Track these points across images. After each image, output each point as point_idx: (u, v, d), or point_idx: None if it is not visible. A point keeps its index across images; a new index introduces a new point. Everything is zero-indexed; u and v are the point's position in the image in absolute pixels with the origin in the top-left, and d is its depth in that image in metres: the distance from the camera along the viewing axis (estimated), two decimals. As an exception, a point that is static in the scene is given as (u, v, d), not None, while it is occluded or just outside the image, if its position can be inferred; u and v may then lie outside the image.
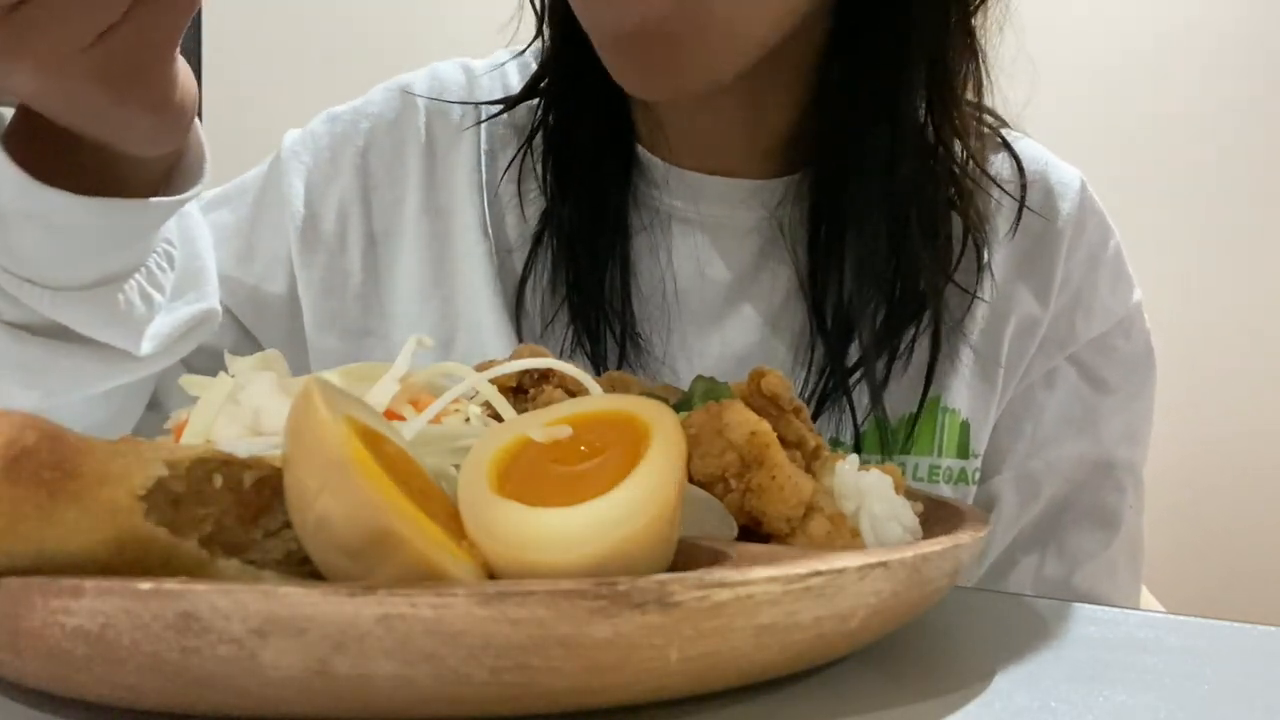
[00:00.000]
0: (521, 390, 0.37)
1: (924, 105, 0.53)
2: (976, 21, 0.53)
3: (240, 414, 0.31)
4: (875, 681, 0.27)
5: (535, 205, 0.58)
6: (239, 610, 0.20)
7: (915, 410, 0.56)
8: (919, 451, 0.57)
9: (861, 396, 0.54)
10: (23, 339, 0.42)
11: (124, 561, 0.21)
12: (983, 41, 0.53)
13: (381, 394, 0.31)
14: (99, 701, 0.22)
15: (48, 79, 0.33)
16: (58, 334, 0.43)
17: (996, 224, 0.57)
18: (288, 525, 0.23)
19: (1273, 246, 1.72)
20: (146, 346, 0.45)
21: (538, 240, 0.57)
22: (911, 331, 0.54)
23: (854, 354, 0.54)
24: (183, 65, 0.38)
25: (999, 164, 0.58)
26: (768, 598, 0.23)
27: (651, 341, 0.56)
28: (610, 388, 0.39)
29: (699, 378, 0.43)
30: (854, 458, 0.35)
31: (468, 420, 0.32)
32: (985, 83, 0.55)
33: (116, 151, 0.38)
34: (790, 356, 0.56)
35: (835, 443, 0.55)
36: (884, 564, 0.25)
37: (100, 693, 0.21)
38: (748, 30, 0.47)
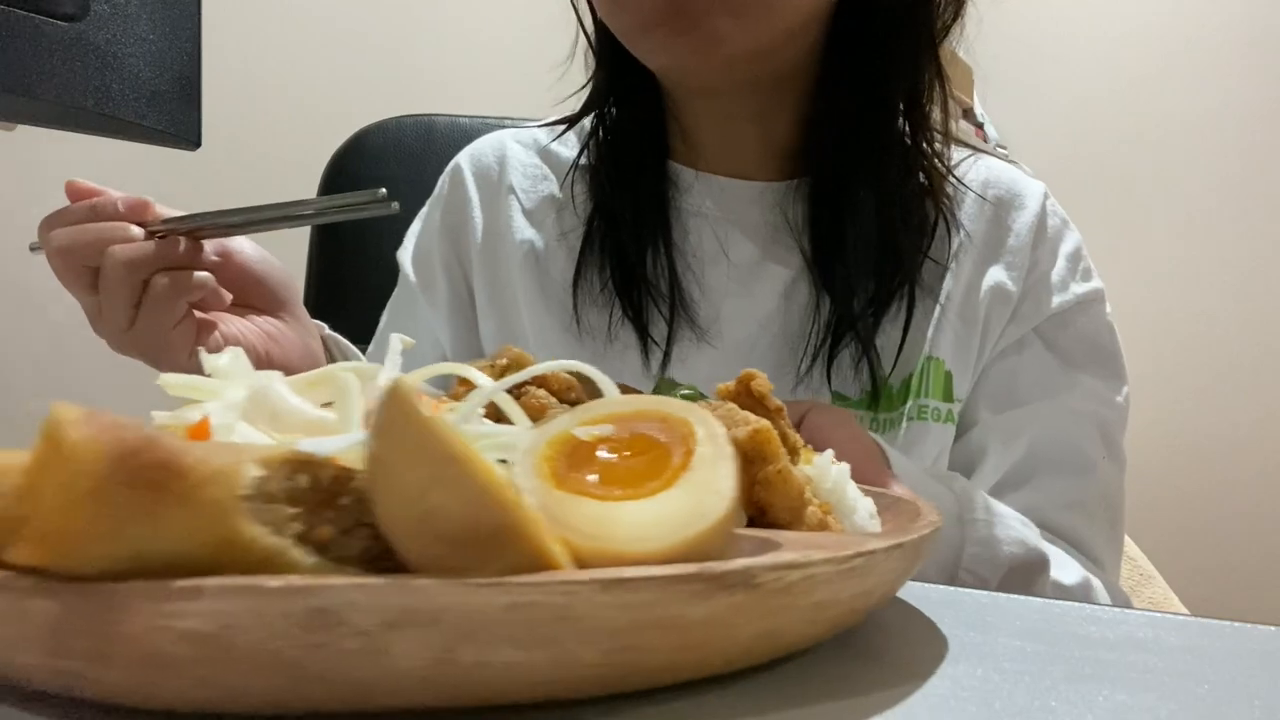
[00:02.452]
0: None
1: (902, 118, 0.68)
2: (941, 47, 0.67)
3: (259, 413, 0.31)
4: (876, 682, 0.27)
5: (572, 216, 0.73)
6: (375, 603, 0.20)
7: (908, 372, 0.69)
8: (911, 395, 0.69)
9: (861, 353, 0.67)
10: None
11: (219, 563, 0.21)
12: (945, 62, 0.68)
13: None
14: (179, 708, 0.22)
15: (123, 350, 0.59)
16: None
17: (973, 222, 0.72)
18: (360, 524, 0.23)
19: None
20: None
21: (588, 234, 0.71)
22: (897, 294, 0.68)
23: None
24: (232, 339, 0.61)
25: (974, 174, 0.73)
26: (824, 578, 0.25)
27: (694, 308, 0.70)
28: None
29: (678, 388, 0.45)
30: (830, 452, 0.38)
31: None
32: (949, 98, 0.69)
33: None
34: (802, 319, 0.69)
35: (838, 398, 0.68)
36: (900, 545, 0.28)
37: (191, 698, 0.21)
38: (764, 12, 0.60)
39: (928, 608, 0.35)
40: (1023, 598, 0.39)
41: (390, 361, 0.35)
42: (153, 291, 0.55)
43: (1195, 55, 1.69)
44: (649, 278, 0.69)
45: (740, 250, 0.71)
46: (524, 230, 0.75)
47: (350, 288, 1.03)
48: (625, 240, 0.70)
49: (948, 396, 0.69)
